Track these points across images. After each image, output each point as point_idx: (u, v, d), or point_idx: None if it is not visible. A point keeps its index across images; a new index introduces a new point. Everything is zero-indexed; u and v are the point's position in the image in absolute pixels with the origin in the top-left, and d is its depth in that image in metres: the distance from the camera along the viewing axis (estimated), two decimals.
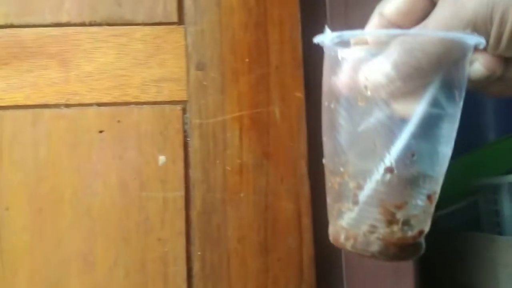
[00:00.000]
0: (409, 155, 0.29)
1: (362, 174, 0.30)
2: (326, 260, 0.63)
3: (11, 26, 0.63)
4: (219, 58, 0.64)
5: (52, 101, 0.62)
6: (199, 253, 0.62)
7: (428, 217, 0.31)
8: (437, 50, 0.27)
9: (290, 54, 0.64)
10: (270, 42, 0.64)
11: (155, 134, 0.63)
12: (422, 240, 0.31)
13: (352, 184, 0.30)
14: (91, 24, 0.63)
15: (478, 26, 0.27)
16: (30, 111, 0.62)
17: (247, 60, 0.64)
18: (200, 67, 0.64)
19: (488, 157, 0.95)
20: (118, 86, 0.63)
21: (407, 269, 0.63)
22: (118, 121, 0.62)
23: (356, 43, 0.30)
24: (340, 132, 0.30)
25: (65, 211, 0.61)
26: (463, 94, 0.29)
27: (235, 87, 0.64)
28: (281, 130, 0.64)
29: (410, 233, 0.30)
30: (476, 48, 0.28)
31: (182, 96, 0.63)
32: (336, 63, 0.30)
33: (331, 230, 0.32)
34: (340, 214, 0.31)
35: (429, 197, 0.30)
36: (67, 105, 0.62)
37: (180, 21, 0.64)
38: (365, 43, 0.30)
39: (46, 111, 0.62)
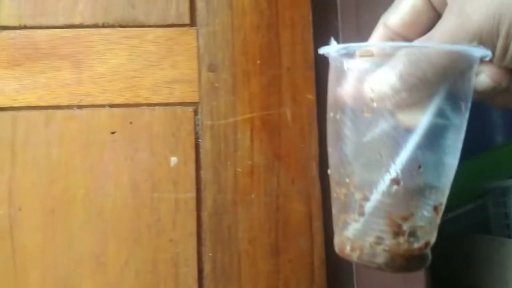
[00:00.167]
0: (415, 166, 0.29)
1: (368, 185, 0.30)
2: (337, 262, 0.63)
3: (25, 27, 0.64)
4: (230, 60, 0.64)
5: (64, 102, 0.63)
6: (210, 254, 0.62)
7: (434, 229, 0.31)
8: (443, 62, 0.27)
9: (302, 56, 0.64)
10: (282, 43, 0.64)
11: (167, 135, 0.63)
12: (428, 251, 0.31)
13: (358, 195, 0.30)
14: (104, 26, 0.64)
15: (484, 38, 0.27)
16: (43, 112, 0.63)
17: (258, 61, 0.64)
18: (212, 68, 0.64)
19: (497, 160, 0.95)
20: (130, 88, 0.63)
21: (417, 272, 0.63)
22: (130, 122, 0.63)
23: (362, 55, 0.30)
24: (346, 143, 0.30)
25: (77, 211, 0.61)
26: (469, 105, 0.29)
27: (247, 88, 0.64)
28: (292, 132, 0.64)
29: (416, 245, 0.30)
30: (482, 60, 0.28)
31: (194, 97, 0.64)
32: (342, 74, 0.30)
33: (337, 241, 0.32)
34: (345, 225, 0.31)
35: (435, 209, 0.30)
36: (80, 106, 0.63)
37: (192, 23, 0.65)
38: (371, 55, 0.30)
39: (59, 112, 0.63)
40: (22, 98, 0.63)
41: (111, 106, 0.63)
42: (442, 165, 0.30)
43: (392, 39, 0.31)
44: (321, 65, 0.64)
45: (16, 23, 0.63)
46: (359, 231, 0.30)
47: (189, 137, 0.63)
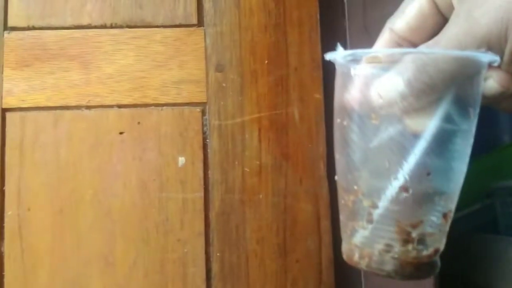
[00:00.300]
0: (424, 172, 0.29)
1: (377, 192, 0.29)
2: (345, 262, 0.63)
3: (33, 28, 0.64)
4: (238, 60, 0.64)
5: (73, 102, 0.63)
6: (218, 254, 0.62)
7: (443, 236, 0.31)
8: (451, 67, 0.27)
9: (309, 56, 0.64)
10: (289, 43, 0.64)
11: (175, 135, 0.63)
12: (437, 258, 0.31)
13: (366, 203, 0.30)
14: (112, 26, 0.64)
15: (492, 43, 0.27)
16: (51, 112, 0.63)
17: (266, 61, 0.64)
18: (219, 68, 0.64)
19: (504, 160, 0.94)
20: (138, 88, 0.63)
21: None
22: (138, 123, 0.63)
23: (370, 62, 0.29)
24: (353, 149, 0.30)
25: (85, 211, 0.62)
26: (478, 110, 0.29)
27: (254, 88, 0.64)
28: (300, 132, 0.64)
29: (425, 252, 0.30)
30: (490, 65, 0.28)
31: (202, 97, 0.64)
32: (349, 80, 0.30)
33: (345, 248, 0.32)
34: (354, 232, 0.31)
35: (444, 216, 0.30)
36: (88, 107, 0.63)
37: (200, 23, 0.65)
38: (379, 61, 0.29)
39: (67, 113, 0.63)
40: (30, 98, 0.63)
41: (119, 106, 0.63)
42: (451, 170, 0.30)
43: (398, 44, 0.31)
44: (329, 64, 0.64)
45: (24, 24, 0.64)
46: (367, 239, 0.30)
47: (197, 137, 0.63)
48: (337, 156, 0.32)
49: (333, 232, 0.62)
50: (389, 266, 0.29)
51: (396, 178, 0.29)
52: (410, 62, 0.28)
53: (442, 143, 0.29)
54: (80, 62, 0.63)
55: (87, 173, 0.62)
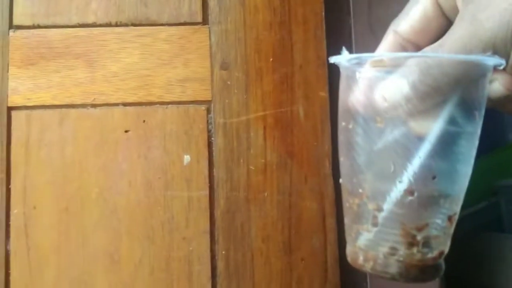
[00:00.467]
0: (429, 175, 0.29)
1: (381, 195, 0.29)
2: None
3: (38, 26, 0.64)
4: (243, 58, 0.64)
5: (78, 101, 0.63)
6: (223, 252, 0.62)
7: (448, 238, 0.31)
8: (455, 71, 0.27)
9: (314, 53, 0.64)
10: (294, 41, 0.64)
11: (180, 133, 0.63)
12: (442, 261, 0.31)
13: (371, 206, 0.30)
14: (117, 25, 0.64)
15: (498, 46, 0.27)
16: (56, 111, 0.63)
17: (271, 59, 0.64)
18: (224, 66, 0.64)
19: (509, 158, 0.94)
20: (143, 86, 0.63)
21: None
22: (144, 121, 0.63)
23: (374, 65, 0.29)
24: (358, 152, 0.30)
25: (91, 210, 0.62)
26: (483, 113, 0.29)
27: (259, 86, 0.64)
28: (305, 130, 0.64)
29: (430, 255, 0.30)
30: (495, 68, 0.28)
31: (207, 95, 0.64)
32: (353, 82, 0.30)
33: (349, 251, 0.32)
34: (358, 235, 0.31)
35: (449, 218, 0.30)
36: (93, 105, 0.63)
37: (205, 21, 0.65)
38: (383, 65, 0.29)
39: (73, 111, 0.63)
40: (36, 97, 0.63)
41: (125, 104, 0.63)
42: (455, 173, 0.30)
43: (403, 46, 0.31)
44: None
45: (29, 23, 0.64)
46: (372, 242, 0.30)
47: (202, 135, 0.63)
48: (342, 159, 0.32)
49: (338, 230, 0.62)
50: (393, 269, 0.29)
51: (401, 181, 0.29)
52: (415, 65, 0.28)
53: (446, 145, 0.29)
54: (85, 61, 0.63)
55: (92, 171, 0.62)
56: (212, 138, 0.64)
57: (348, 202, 0.31)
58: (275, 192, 0.63)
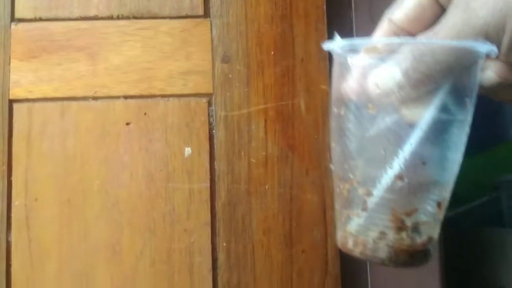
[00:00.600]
0: (419, 162, 0.29)
1: (372, 181, 0.30)
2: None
3: (40, 19, 0.64)
4: (244, 51, 0.64)
5: (80, 93, 0.63)
6: (224, 244, 0.62)
7: (437, 224, 0.31)
8: (448, 58, 0.27)
9: (316, 46, 0.64)
10: (296, 34, 0.64)
11: (181, 126, 0.63)
12: (430, 247, 0.31)
13: (361, 191, 0.30)
14: (118, 18, 0.64)
15: (490, 34, 0.27)
16: (58, 103, 0.63)
17: (272, 52, 0.64)
18: (226, 59, 0.64)
19: (510, 154, 0.94)
20: (145, 79, 0.64)
21: (433, 262, 0.62)
22: (145, 114, 0.63)
23: (367, 51, 0.30)
24: (350, 138, 0.30)
25: (92, 202, 0.62)
26: (474, 100, 0.29)
27: (260, 79, 0.64)
28: (306, 123, 0.64)
29: (419, 240, 0.30)
30: (488, 56, 0.28)
31: (208, 88, 0.64)
32: (346, 69, 0.30)
33: (339, 236, 0.32)
34: (348, 220, 0.31)
35: (439, 204, 0.30)
36: (95, 98, 0.63)
37: (206, 14, 0.65)
38: (376, 51, 0.29)
39: (74, 104, 0.63)
40: (38, 89, 0.63)
41: (126, 97, 0.63)
42: (446, 160, 0.30)
43: (397, 34, 0.31)
44: None
45: (31, 16, 0.64)
46: (362, 227, 0.30)
47: (203, 128, 0.63)
48: (333, 145, 0.32)
49: None
50: (383, 254, 0.30)
51: (391, 167, 0.29)
52: (408, 52, 0.28)
53: (438, 132, 0.29)
54: (87, 53, 0.64)
55: (94, 163, 0.62)
56: (213, 131, 0.64)
57: (339, 188, 0.32)
58: (276, 185, 0.63)
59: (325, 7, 0.65)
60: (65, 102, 0.63)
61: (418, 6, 0.31)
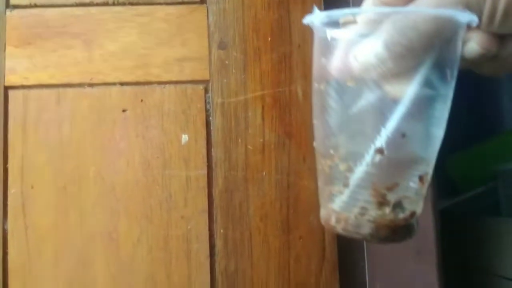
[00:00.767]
0: (401, 138, 0.28)
1: (353, 157, 0.29)
2: (348, 238, 0.63)
3: (35, 6, 0.64)
4: (241, 37, 0.64)
5: (76, 80, 0.63)
6: (221, 230, 0.62)
7: (420, 199, 0.31)
8: (429, 29, 0.27)
9: (313, 33, 0.64)
10: (293, 20, 0.64)
11: (178, 113, 0.63)
12: (414, 222, 0.31)
13: (342, 167, 0.30)
14: (114, 4, 0.64)
15: (471, 3, 0.27)
16: (54, 90, 0.63)
17: (269, 39, 0.64)
18: (222, 46, 0.64)
19: (508, 143, 0.94)
20: (141, 66, 0.63)
21: (430, 249, 0.62)
22: (141, 100, 0.63)
23: (345, 23, 0.29)
24: (331, 115, 0.30)
25: (89, 189, 0.62)
26: (456, 73, 0.29)
27: (257, 66, 0.64)
28: (303, 109, 0.64)
29: (401, 215, 0.30)
30: (470, 27, 0.28)
31: (205, 75, 0.64)
32: (326, 44, 0.29)
33: (322, 213, 0.31)
34: (331, 197, 0.31)
35: (421, 179, 0.30)
36: (91, 84, 0.63)
37: (203, 0, 0.64)
38: (354, 23, 0.29)
39: (70, 90, 0.63)
40: (33, 76, 0.63)
41: (122, 84, 0.63)
42: (428, 135, 0.30)
43: None
44: None
45: (26, 2, 0.64)
46: (344, 203, 0.30)
47: (200, 115, 0.63)
48: (315, 121, 0.32)
49: None
50: (365, 229, 0.29)
51: (372, 142, 0.28)
52: (389, 24, 0.27)
53: (420, 107, 0.28)
54: (83, 40, 0.63)
55: (90, 150, 0.62)
56: (210, 118, 0.63)
57: (321, 165, 0.31)
58: (273, 172, 0.63)
59: None
60: (60, 89, 0.63)
61: None
